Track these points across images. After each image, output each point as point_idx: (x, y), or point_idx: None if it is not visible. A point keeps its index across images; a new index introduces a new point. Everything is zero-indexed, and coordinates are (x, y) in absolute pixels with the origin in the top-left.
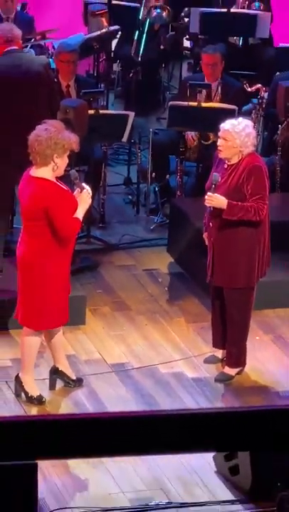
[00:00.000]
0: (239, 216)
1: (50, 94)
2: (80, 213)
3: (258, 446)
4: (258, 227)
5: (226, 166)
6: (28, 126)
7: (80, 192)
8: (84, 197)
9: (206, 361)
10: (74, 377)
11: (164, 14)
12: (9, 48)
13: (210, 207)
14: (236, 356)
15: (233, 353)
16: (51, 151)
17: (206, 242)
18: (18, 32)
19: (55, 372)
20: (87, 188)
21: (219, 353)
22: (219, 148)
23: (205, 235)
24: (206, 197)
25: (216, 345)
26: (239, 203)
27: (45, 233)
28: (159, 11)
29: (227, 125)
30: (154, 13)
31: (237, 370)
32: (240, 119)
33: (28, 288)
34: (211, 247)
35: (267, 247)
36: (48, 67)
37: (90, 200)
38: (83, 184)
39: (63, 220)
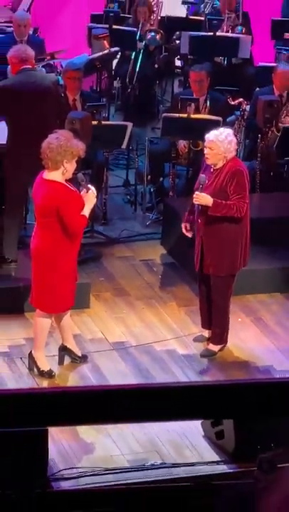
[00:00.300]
0: (223, 213)
1: (58, 107)
2: (86, 211)
3: (240, 414)
4: (240, 222)
5: (212, 170)
6: (39, 135)
7: (87, 192)
8: (90, 197)
9: (195, 340)
10: (80, 354)
11: (158, 37)
12: (24, 67)
13: (198, 205)
14: (219, 335)
15: (217, 332)
16: (61, 157)
17: (184, 231)
18: (31, 52)
19: (64, 350)
20: (93, 189)
21: (206, 333)
22: (206, 156)
23: (184, 225)
24: (194, 196)
25: (203, 326)
26: (223, 202)
27: (56, 228)
28: (153, 34)
29: (211, 136)
30: (149, 35)
31: (219, 346)
32: (222, 129)
33: (40, 276)
34: (200, 240)
35: (248, 240)
36: (56, 84)
37: (95, 200)
38: (89, 185)
39: (72, 217)
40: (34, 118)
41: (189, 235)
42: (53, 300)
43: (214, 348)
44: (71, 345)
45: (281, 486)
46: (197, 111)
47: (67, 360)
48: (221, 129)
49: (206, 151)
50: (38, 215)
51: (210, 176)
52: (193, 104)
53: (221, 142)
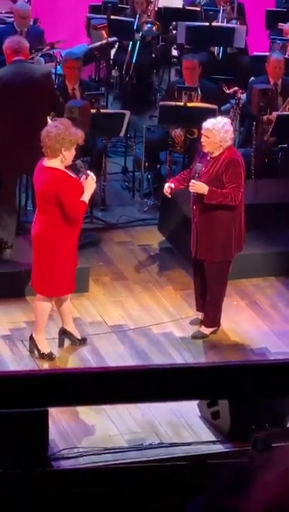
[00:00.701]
0: (218, 201)
1: (51, 99)
2: (86, 197)
3: (235, 395)
4: (234, 210)
5: (208, 158)
6: (29, 126)
7: (86, 179)
8: (89, 183)
9: (191, 323)
10: (79, 337)
11: (154, 28)
12: (16, 58)
13: (193, 193)
14: (212, 319)
15: (209, 316)
16: (60, 145)
17: (165, 188)
18: (25, 44)
19: (64, 333)
20: (92, 175)
21: (201, 316)
22: (203, 144)
23: (167, 185)
24: (190, 184)
25: (198, 309)
26: (218, 190)
27: (55, 214)
28: (150, 25)
29: (208, 124)
30: (146, 27)
31: (211, 329)
32: (220, 118)
33: (40, 260)
34: (195, 227)
35: (242, 226)
36: (47, 76)
37: (94, 186)
38: (88, 172)
39: (71, 203)
40: (24, 109)
41: (168, 194)
42: (52, 284)
43: (206, 330)
44: (71, 328)
45: (276, 463)
46: (190, 99)
47: (67, 342)
48: (219, 118)
49: (202, 139)
50: (38, 201)
51: (206, 164)
52: (189, 93)
53: (218, 131)
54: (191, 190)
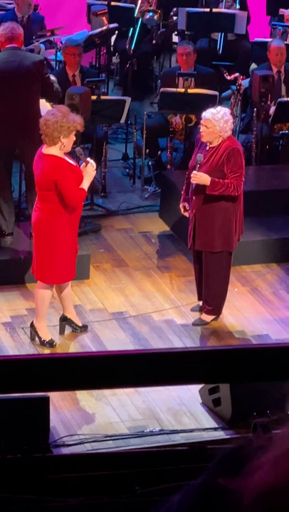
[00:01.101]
0: (220, 192)
1: (42, 86)
2: (85, 184)
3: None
4: (234, 200)
5: (207, 148)
6: (19, 111)
7: (86, 166)
8: (89, 170)
9: (193, 310)
10: (80, 324)
11: (156, 17)
12: (8, 46)
13: (193, 184)
14: (212, 307)
15: (210, 304)
16: (58, 133)
17: (182, 211)
18: (19, 31)
19: (64, 320)
20: (92, 162)
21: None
22: (202, 133)
23: (182, 205)
24: (191, 175)
25: (199, 298)
26: (221, 180)
27: (55, 201)
28: (151, 14)
29: (208, 114)
30: (147, 16)
31: (212, 317)
32: (219, 107)
33: (40, 247)
34: (193, 217)
35: (241, 217)
36: (39, 64)
37: (94, 173)
38: (88, 158)
39: (70, 190)
40: (14, 96)
41: (187, 214)
42: (52, 271)
43: (207, 318)
44: (71, 315)
45: (276, 445)
46: (187, 85)
47: (67, 329)
48: (218, 108)
49: (201, 128)
50: (38, 189)
51: (206, 154)
52: (190, 79)
53: (217, 121)
54: (193, 182)
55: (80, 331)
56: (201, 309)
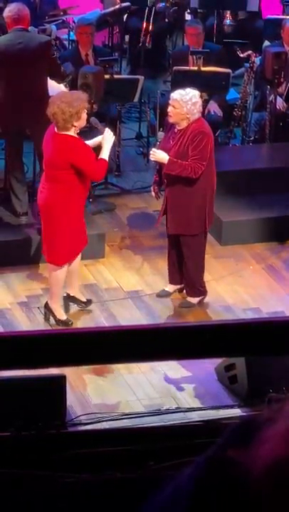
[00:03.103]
0: (177, 172)
1: (49, 67)
2: (105, 153)
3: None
4: (206, 182)
5: (176, 130)
6: (25, 94)
7: (103, 133)
8: (107, 136)
9: (158, 295)
10: (84, 299)
11: (168, 4)
12: (15, 27)
13: (157, 163)
14: (198, 288)
15: (195, 286)
16: (69, 122)
17: (153, 194)
18: (25, 12)
19: (68, 298)
20: (107, 129)
21: (170, 288)
22: (169, 114)
23: (152, 187)
24: (150, 152)
25: (173, 282)
26: (179, 161)
27: (67, 181)
28: (163, 4)
29: (176, 95)
30: (160, 4)
31: (198, 299)
32: (188, 89)
33: (49, 229)
34: (165, 200)
35: (212, 199)
36: (45, 45)
37: (112, 139)
38: (103, 126)
39: (91, 165)
40: (20, 78)
41: (156, 197)
42: (62, 252)
43: (193, 300)
44: (75, 292)
45: (286, 417)
46: (199, 63)
47: (72, 308)
48: (188, 90)
49: (169, 108)
50: (48, 168)
51: (174, 136)
52: (202, 57)
53: (185, 103)
54: (151, 159)
55: (85, 306)
56: (180, 291)
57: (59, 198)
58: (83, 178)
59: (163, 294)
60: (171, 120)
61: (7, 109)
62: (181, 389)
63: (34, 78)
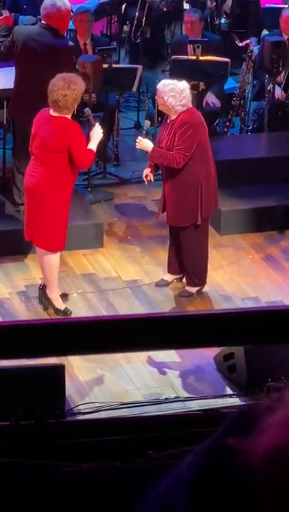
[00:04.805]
0: (160, 161)
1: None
2: (93, 145)
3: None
4: (202, 172)
5: (168, 121)
6: (39, 90)
7: (93, 125)
8: (96, 130)
9: (156, 285)
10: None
11: None
12: (42, 22)
13: (145, 152)
14: (196, 278)
15: (193, 275)
16: (73, 106)
17: (144, 178)
18: (58, 13)
19: (43, 288)
20: (98, 124)
21: (168, 277)
22: (158, 103)
23: (145, 172)
24: (137, 140)
25: (171, 271)
26: (162, 151)
27: (60, 165)
28: None
29: (159, 84)
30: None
31: (197, 288)
32: (172, 81)
33: (42, 214)
34: (163, 191)
35: (214, 187)
36: (65, 51)
37: (101, 134)
38: (93, 119)
39: (83, 152)
40: (35, 70)
41: (146, 181)
42: (62, 237)
43: (192, 289)
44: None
45: (286, 406)
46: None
47: (72, 297)
48: (170, 81)
49: (156, 97)
50: (41, 152)
51: (166, 126)
52: (201, 46)
53: (164, 93)
54: (137, 147)
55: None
56: (180, 280)
57: (50, 181)
58: (73, 165)
59: (161, 284)
60: (160, 108)
61: (22, 98)
62: (179, 378)
63: (48, 75)
